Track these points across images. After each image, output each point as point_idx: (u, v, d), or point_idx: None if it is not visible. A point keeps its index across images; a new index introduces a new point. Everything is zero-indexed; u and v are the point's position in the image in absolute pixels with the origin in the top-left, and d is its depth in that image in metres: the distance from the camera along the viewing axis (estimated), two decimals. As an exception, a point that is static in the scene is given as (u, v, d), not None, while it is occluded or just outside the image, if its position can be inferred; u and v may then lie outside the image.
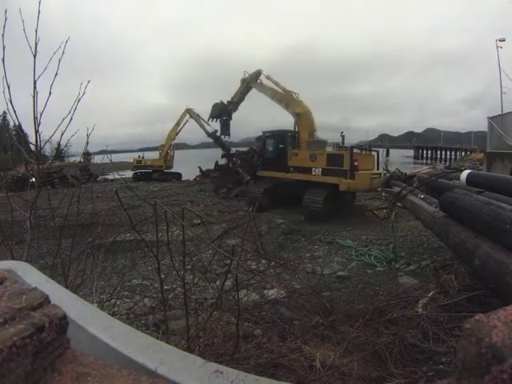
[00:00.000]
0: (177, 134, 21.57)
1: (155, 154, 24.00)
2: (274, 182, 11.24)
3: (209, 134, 16.76)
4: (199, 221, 6.28)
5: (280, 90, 12.23)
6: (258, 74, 13.27)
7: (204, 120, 18.22)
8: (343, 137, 13.96)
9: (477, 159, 22.77)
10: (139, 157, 24.58)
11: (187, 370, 0.44)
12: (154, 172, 22.32)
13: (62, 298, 0.53)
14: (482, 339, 0.28)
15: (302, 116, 11.47)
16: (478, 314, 0.31)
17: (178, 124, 20.88)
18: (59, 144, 2.50)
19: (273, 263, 4.82)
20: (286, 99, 11.89)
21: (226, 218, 9.50)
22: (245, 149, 16.23)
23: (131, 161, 24.57)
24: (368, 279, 4.83)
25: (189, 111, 19.85)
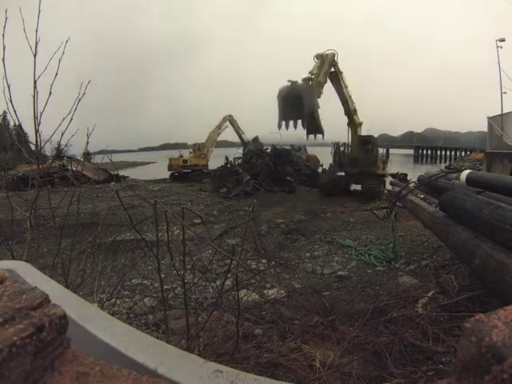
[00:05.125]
0: (218, 134, 21.54)
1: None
2: None
3: (244, 144, 19.02)
4: (199, 220, 6.28)
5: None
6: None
7: (241, 129, 20.36)
8: None
9: (477, 159, 22.76)
10: (181, 156, 21.95)
11: (187, 370, 0.44)
12: (194, 172, 20.25)
13: (62, 297, 0.53)
14: (482, 339, 0.28)
15: None
16: (478, 314, 0.31)
17: (219, 127, 21.07)
18: (59, 144, 2.51)
19: (273, 263, 4.82)
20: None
21: (226, 217, 9.50)
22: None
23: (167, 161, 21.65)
24: (368, 279, 4.83)
25: (229, 118, 20.71)
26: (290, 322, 3.13)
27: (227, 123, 21.14)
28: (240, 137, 20.75)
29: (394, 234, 5.94)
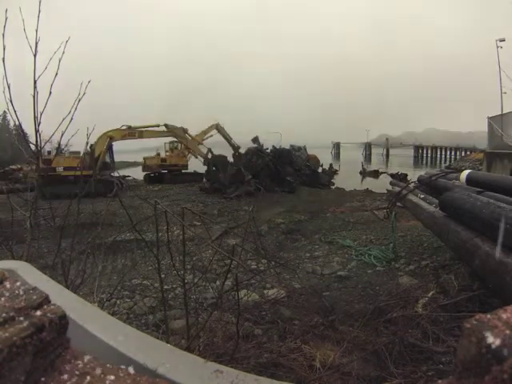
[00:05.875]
0: (203, 140, 20.74)
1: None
2: None
3: (235, 149, 18.70)
4: (199, 222, 6.28)
5: None
6: None
7: (229, 135, 19.73)
8: None
9: (477, 159, 22.75)
10: (158, 154, 21.06)
11: (187, 370, 0.44)
12: (171, 172, 19.37)
13: (62, 297, 0.53)
14: (482, 339, 0.28)
15: None
16: (478, 314, 0.31)
17: (205, 133, 20.36)
18: (59, 144, 2.51)
19: (273, 263, 4.81)
20: None
21: (226, 217, 9.51)
22: None
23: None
24: (368, 279, 4.82)
25: (217, 126, 20.15)
26: (290, 322, 3.13)
27: (214, 131, 20.36)
28: (229, 142, 20.10)
29: (393, 234, 5.93)
